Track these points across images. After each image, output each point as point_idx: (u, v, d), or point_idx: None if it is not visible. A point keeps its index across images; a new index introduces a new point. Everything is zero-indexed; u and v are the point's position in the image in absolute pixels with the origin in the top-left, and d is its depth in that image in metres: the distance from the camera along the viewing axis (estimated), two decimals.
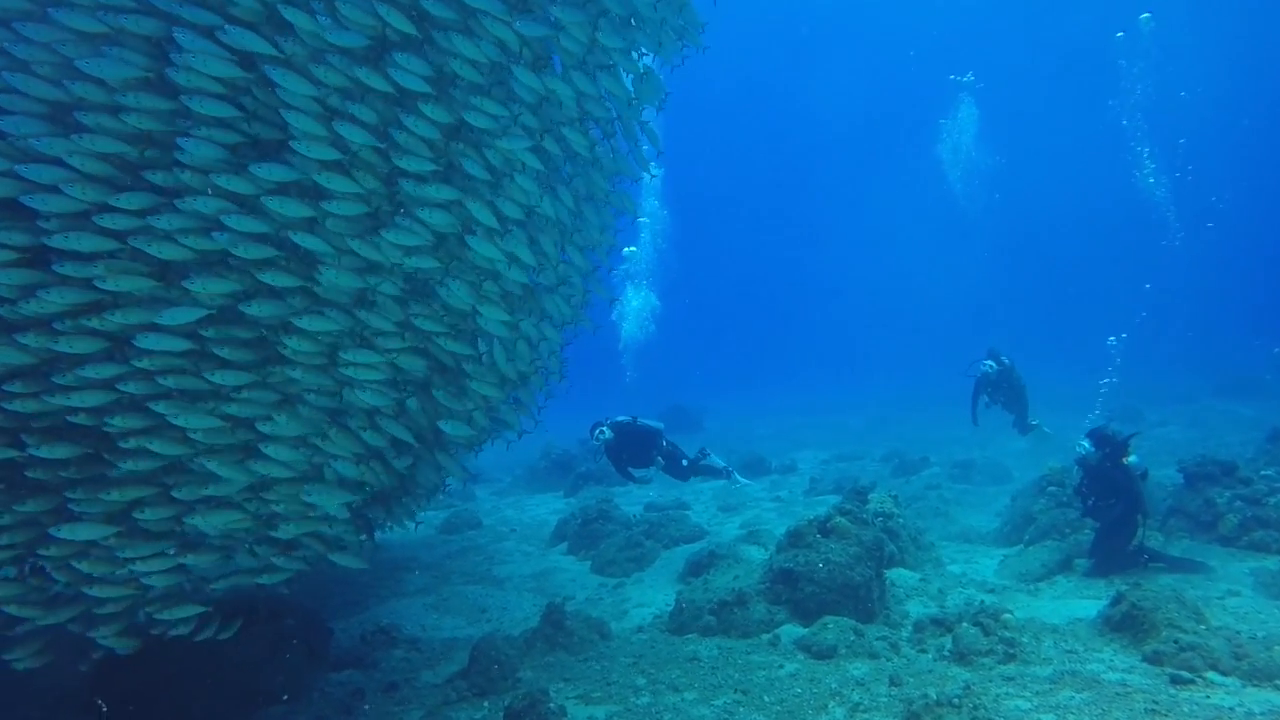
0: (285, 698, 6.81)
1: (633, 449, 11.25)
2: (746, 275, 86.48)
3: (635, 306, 32.43)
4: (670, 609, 8.43)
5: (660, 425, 11.47)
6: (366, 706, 6.84)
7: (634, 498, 16.42)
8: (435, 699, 6.81)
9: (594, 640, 7.83)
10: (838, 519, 8.24)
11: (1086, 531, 9.58)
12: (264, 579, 6.21)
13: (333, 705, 6.85)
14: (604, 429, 10.98)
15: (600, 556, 11.36)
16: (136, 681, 6.13)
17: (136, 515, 5.17)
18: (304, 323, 5.39)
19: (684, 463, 11.38)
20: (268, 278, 5.22)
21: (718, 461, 12.13)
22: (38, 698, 6.48)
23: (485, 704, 6.61)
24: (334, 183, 5.26)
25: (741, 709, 6.08)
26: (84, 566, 5.17)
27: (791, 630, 7.52)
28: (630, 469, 11.36)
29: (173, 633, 5.75)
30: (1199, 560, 8.77)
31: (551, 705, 5.97)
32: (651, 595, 9.61)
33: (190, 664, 6.27)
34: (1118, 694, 5.66)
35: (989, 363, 14.03)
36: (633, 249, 32.12)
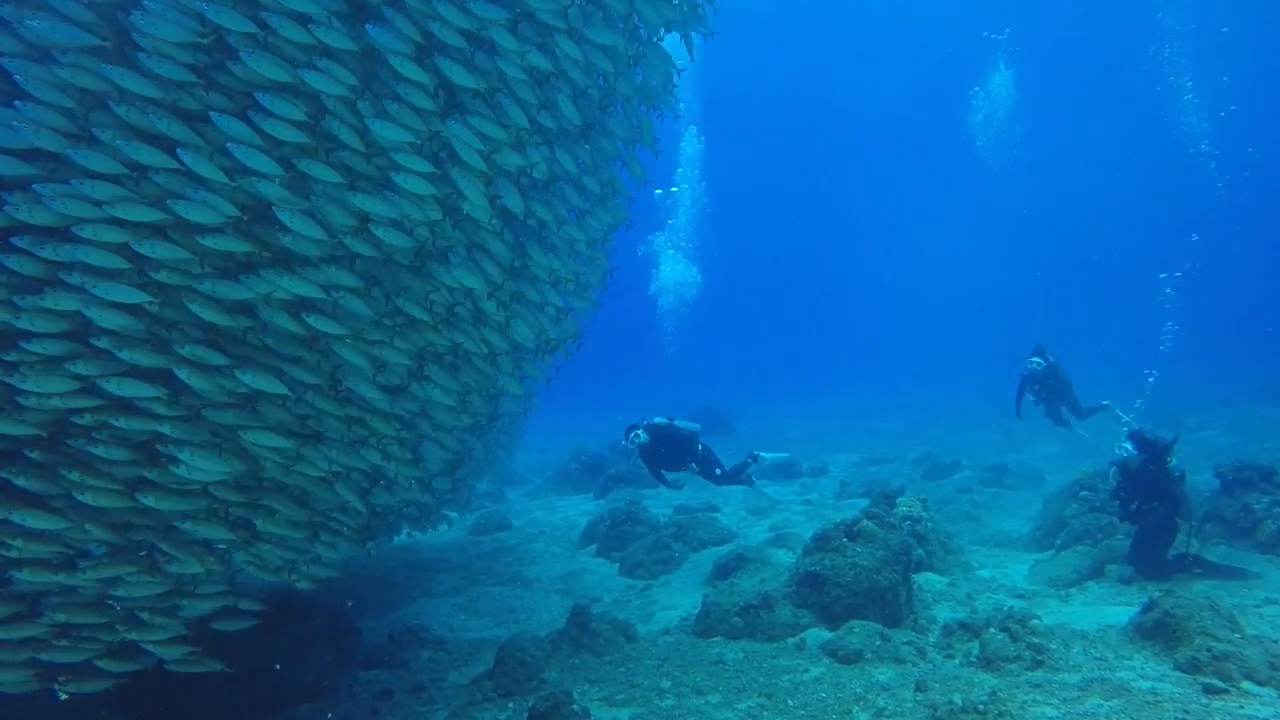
0: (330, 716, 6.90)
1: (667, 452, 11.23)
2: (780, 276, 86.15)
3: (674, 278, 32.26)
4: (697, 612, 8.42)
5: (696, 427, 11.44)
6: (393, 706, 6.91)
7: (664, 500, 16.43)
8: (461, 699, 6.87)
9: (620, 642, 7.86)
10: (864, 523, 8.20)
11: (1120, 537, 9.44)
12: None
13: (360, 705, 6.93)
14: (639, 432, 10.97)
15: (628, 559, 11.39)
16: (167, 675, 6.23)
17: (79, 496, 4.87)
18: (284, 282, 5.20)
19: (717, 471, 11.34)
20: (211, 241, 4.95)
21: (769, 457, 12.11)
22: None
23: (510, 705, 6.66)
24: (281, 131, 5.00)
25: (765, 713, 6.07)
26: (19, 544, 4.87)
27: (817, 634, 7.49)
28: (664, 472, 11.34)
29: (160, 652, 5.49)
30: (1245, 568, 8.58)
31: (575, 707, 6.02)
32: (679, 598, 9.62)
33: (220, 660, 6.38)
34: (1148, 702, 5.57)
35: (1035, 360, 14.03)
36: (675, 189, 31.93)
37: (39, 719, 6.06)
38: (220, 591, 5.78)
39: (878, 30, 63.44)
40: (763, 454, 12.10)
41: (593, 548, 12.81)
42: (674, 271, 32.33)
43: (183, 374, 4.97)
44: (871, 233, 78.69)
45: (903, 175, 72.31)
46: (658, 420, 11.18)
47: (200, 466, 5.10)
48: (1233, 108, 33.58)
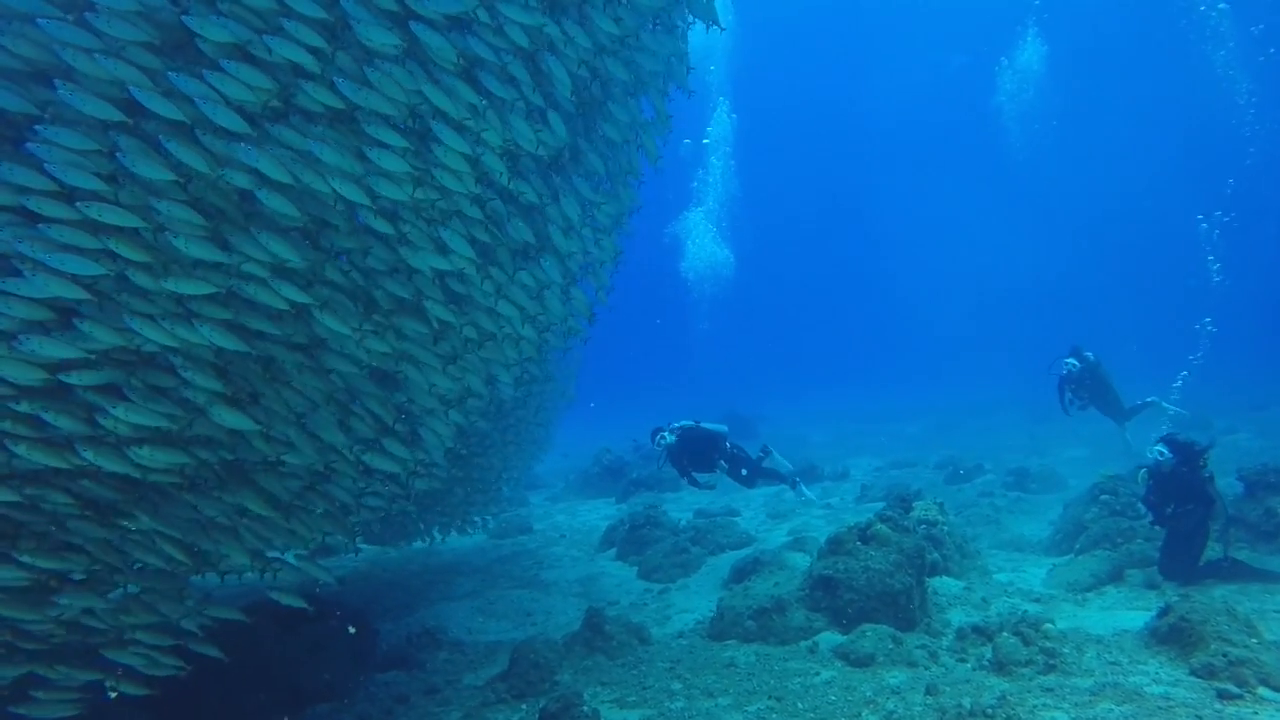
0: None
1: (696, 453, 11.24)
2: (806, 277, 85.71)
3: (703, 250, 31.79)
4: (712, 615, 8.44)
5: (724, 428, 11.46)
6: (408, 707, 7.00)
7: (685, 504, 16.49)
8: (475, 701, 6.95)
9: (633, 645, 7.90)
10: (878, 526, 8.19)
11: (1139, 541, 9.35)
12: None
13: (376, 705, 7.03)
14: (665, 434, 11.01)
15: (647, 562, 11.43)
16: (185, 675, 6.37)
17: (15, 448, 4.52)
18: (262, 240, 4.88)
19: (744, 472, 11.35)
20: (168, 208, 4.61)
21: (782, 463, 12.11)
22: None
23: (523, 706, 6.73)
24: (239, 92, 4.71)
25: (775, 715, 6.09)
26: None
27: (830, 638, 7.50)
28: (694, 473, 11.35)
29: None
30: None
31: (585, 709, 6.07)
32: (696, 601, 9.65)
33: (238, 659, 6.49)
34: (1160, 708, 5.53)
35: (1070, 360, 14.05)
36: (705, 140, 31.54)
37: None
38: (192, 606, 5.52)
39: (905, 19, 62.62)
40: (804, 489, 12.14)
41: (612, 551, 12.88)
42: (703, 241, 32.02)
43: (135, 324, 4.59)
44: (899, 232, 78.14)
45: (931, 172, 71.75)
46: (683, 423, 11.23)
47: (130, 420, 4.70)
48: (1271, 51, 32.74)
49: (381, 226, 5.45)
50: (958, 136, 66.45)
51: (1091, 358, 14.04)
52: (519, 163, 6.27)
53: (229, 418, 5.09)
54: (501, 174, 5.91)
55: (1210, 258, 18.31)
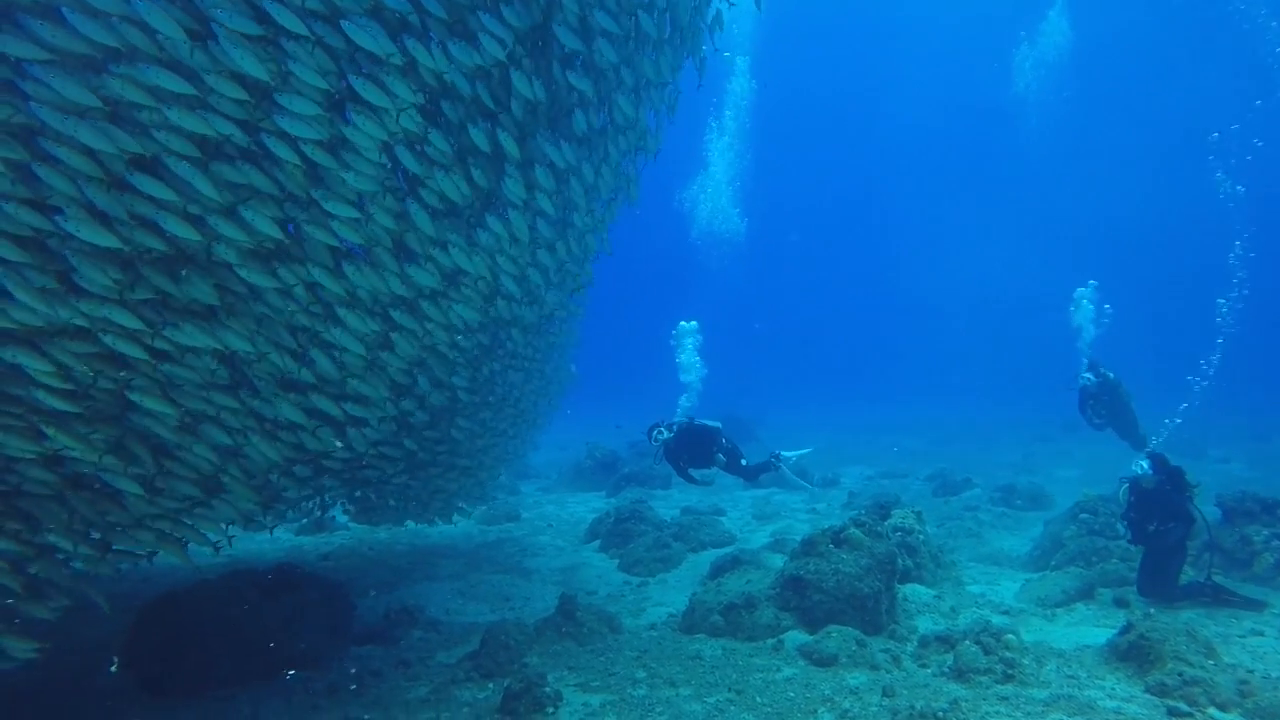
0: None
1: (692, 449, 11.32)
2: (814, 285, 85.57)
3: (715, 208, 31.20)
4: (685, 609, 8.56)
5: (718, 424, 11.58)
6: (378, 680, 7.13)
7: (674, 501, 16.62)
8: (443, 677, 7.07)
9: (604, 633, 8.02)
10: (851, 530, 8.29)
11: (1114, 561, 9.43)
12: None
13: (347, 677, 7.16)
14: (662, 430, 11.11)
15: (629, 555, 11.55)
16: (166, 637, 6.52)
17: None
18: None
19: (743, 462, 11.47)
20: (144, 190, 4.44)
21: (791, 455, 12.23)
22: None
23: (490, 685, 6.84)
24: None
25: (732, 707, 6.19)
26: None
27: (796, 636, 7.59)
28: (690, 470, 11.44)
29: None
30: (1261, 599, 8.52)
31: (548, 690, 6.20)
32: (672, 596, 9.76)
33: (216, 626, 6.65)
34: None
35: (1086, 375, 14.17)
36: (725, 54, 31.15)
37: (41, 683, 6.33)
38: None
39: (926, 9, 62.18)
40: (784, 452, 12.23)
41: (596, 543, 13.01)
42: (716, 201, 31.47)
43: None
44: (912, 241, 77.87)
45: (947, 176, 71.32)
46: (678, 420, 11.35)
47: None
48: None
49: (284, 152, 4.96)
50: (975, 137, 66.04)
51: (1112, 377, 14.10)
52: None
53: (118, 316, 4.65)
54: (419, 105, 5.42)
55: (1219, 175, 17.89)
